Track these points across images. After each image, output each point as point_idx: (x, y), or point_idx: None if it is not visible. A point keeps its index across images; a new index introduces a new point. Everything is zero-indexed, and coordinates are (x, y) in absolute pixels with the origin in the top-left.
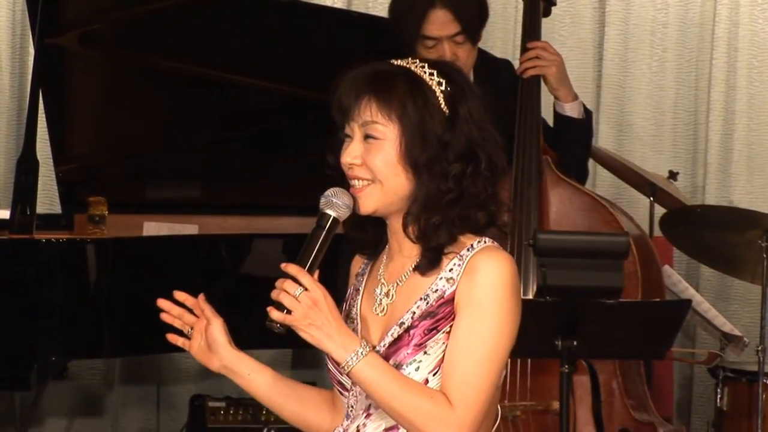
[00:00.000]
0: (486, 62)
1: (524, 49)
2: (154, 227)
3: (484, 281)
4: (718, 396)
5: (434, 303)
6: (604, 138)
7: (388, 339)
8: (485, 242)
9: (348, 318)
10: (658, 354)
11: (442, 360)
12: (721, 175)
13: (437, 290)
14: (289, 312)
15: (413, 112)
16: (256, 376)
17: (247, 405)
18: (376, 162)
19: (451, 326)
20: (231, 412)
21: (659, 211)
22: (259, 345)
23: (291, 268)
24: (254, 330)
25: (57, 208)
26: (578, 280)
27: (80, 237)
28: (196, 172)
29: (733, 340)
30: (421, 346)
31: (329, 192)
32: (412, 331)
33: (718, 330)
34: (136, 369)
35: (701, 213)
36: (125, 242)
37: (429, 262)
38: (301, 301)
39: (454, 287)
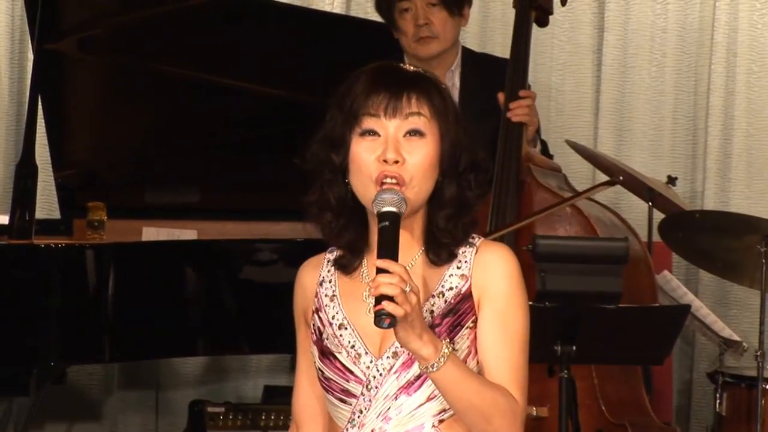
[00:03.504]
0: (481, 58)
1: (515, 66)
2: (153, 232)
3: (502, 274)
4: (718, 401)
5: (452, 300)
6: (603, 143)
7: None
8: (476, 238)
9: (338, 327)
10: (657, 359)
11: (467, 355)
12: (720, 181)
13: (452, 287)
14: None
15: (449, 114)
16: None
17: (247, 410)
18: (419, 159)
19: (473, 321)
20: (230, 417)
21: (658, 216)
22: (257, 350)
23: (396, 266)
24: (252, 335)
25: (56, 214)
26: (577, 286)
27: (79, 242)
28: (195, 177)
29: (732, 345)
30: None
31: (382, 194)
32: (437, 329)
33: (717, 335)
34: (135, 374)
35: (700, 218)
36: (124, 247)
37: (449, 256)
38: (409, 298)
39: (469, 283)
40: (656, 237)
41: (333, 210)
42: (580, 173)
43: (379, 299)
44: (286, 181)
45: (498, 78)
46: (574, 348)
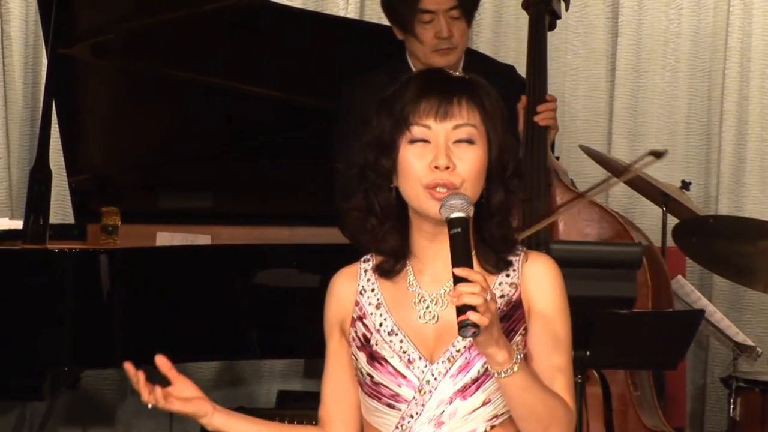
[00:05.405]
0: (485, 65)
1: (535, 70)
2: (167, 237)
3: (550, 285)
4: (731, 406)
5: (505, 307)
6: (616, 148)
7: (462, 343)
8: (521, 248)
9: (387, 333)
10: (671, 364)
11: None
12: (734, 186)
13: (504, 295)
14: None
15: (498, 119)
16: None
17: (260, 415)
18: (469, 165)
19: (524, 329)
20: None
21: (672, 221)
22: (271, 356)
23: (475, 275)
24: (266, 340)
25: (70, 218)
26: (591, 290)
27: (93, 247)
28: (208, 182)
29: (745, 350)
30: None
31: (449, 200)
32: None
33: (730, 340)
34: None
35: (714, 223)
36: (138, 252)
37: (505, 264)
38: (490, 306)
39: (518, 291)
40: (670, 242)
41: (377, 215)
42: (594, 179)
43: (461, 309)
44: (300, 186)
45: (493, 81)
46: (587, 353)
